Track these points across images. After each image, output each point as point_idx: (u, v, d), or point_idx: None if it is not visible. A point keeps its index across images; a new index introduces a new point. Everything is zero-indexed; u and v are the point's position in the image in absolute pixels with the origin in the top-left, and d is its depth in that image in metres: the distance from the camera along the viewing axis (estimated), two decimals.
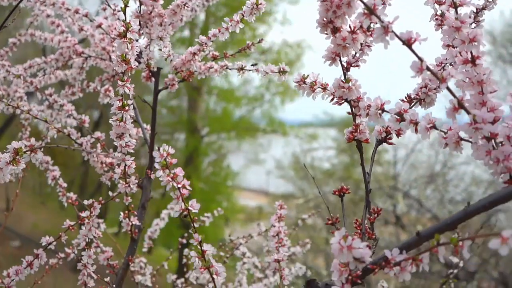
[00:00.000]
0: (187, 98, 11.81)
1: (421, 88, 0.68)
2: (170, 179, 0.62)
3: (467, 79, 0.55)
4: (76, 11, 1.10)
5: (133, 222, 0.97)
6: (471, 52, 0.54)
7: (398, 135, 0.67)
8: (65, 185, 1.11)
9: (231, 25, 0.89)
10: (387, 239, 6.61)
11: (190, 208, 0.63)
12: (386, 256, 0.52)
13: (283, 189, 10.83)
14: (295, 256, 1.44)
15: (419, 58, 0.51)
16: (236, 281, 1.32)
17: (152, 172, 0.96)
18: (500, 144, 0.52)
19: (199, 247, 0.65)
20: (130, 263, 0.99)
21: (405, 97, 0.69)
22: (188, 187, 0.63)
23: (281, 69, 0.85)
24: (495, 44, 9.05)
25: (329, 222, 0.66)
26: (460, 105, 0.51)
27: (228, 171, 11.92)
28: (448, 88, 0.51)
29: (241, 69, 0.96)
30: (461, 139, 0.55)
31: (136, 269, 1.32)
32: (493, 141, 0.52)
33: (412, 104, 0.69)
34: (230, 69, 0.98)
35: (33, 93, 1.25)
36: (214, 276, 0.64)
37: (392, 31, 0.50)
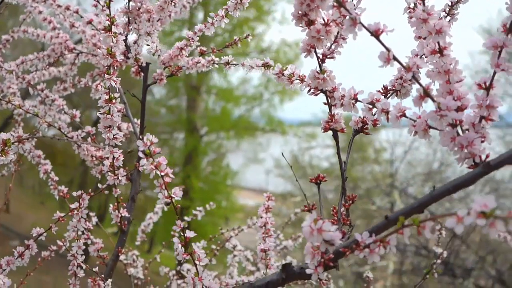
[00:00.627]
0: (186, 97, 11.83)
1: (396, 79, 0.71)
2: (154, 167, 0.64)
3: (436, 69, 0.57)
4: (67, 8, 1.12)
5: (122, 214, 0.99)
6: (438, 43, 0.56)
7: (374, 125, 0.69)
8: (56, 178, 1.13)
9: (216, 20, 0.92)
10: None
11: (173, 195, 0.65)
12: (356, 240, 0.55)
13: (282, 188, 10.86)
14: (286, 250, 1.47)
15: (387, 49, 0.53)
16: (227, 273, 1.35)
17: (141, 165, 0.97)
18: (466, 131, 0.55)
19: (181, 233, 0.67)
20: (119, 254, 1.02)
21: (381, 88, 0.71)
22: (171, 175, 0.65)
23: (265, 64, 0.87)
24: None
25: (306, 209, 0.69)
26: (426, 93, 0.54)
27: (227, 170, 11.94)
28: (414, 77, 0.53)
29: (227, 63, 0.99)
30: (429, 127, 0.57)
31: (129, 262, 1.34)
32: (459, 128, 0.55)
33: (389, 95, 0.71)
34: (217, 64, 1.00)
35: (31, 95, 1.27)
36: (196, 262, 0.67)
37: (360, 23, 0.52)
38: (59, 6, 1.12)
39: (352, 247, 0.55)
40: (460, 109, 0.55)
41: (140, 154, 0.64)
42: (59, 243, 1.17)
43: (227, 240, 1.33)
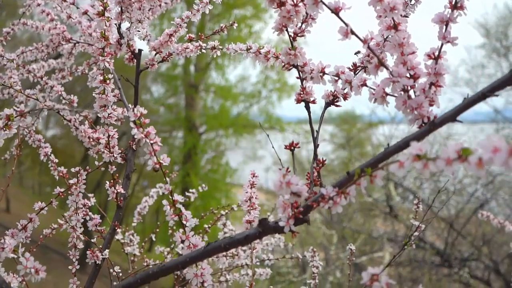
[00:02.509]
0: (185, 96, 11.90)
1: (365, 56, 0.78)
2: (144, 136, 0.71)
3: (391, 42, 0.64)
4: (64, 0, 1.19)
5: (118, 190, 1.06)
6: (392, 19, 0.63)
7: (344, 98, 0.77)
8: (56, 160, 1.20)
9: (201, 7, 0.99)
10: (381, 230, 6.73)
11: (161, 161, 0.73)
12: (322, 193, 0.62)
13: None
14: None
15: (345, 24, 0.60)
16: None
17: (134, 143, 1.05)
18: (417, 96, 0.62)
19: (170, 196, 0.74)
20: (116, 229, 1.09)
21: (351, 65, 0.78)
22: (160, 143, 0.72)
23: (248, 47, 0.94)
24: (489, 37, 9.14)
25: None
26: (380, 62, 0.61)
27: (227, 168, 12.01)
28: (369, 48, 0.61)
29: (213, 48, 1.06)
30: (386, 94, 0.64)
31: (126, 241, 1.42)
32: (412, 93, 0.62)
33: (358, 71, 0.78)
34: (204, 49, 1.07)
35: (32, 82, 1.34)
36: (184, 222, 0.74)
37: (321, 1, 0.59)
38: None
39: (318, 201, 0.62)
40: (413, 77, 0.62)
41: (131, 124, 0.71)
42: (60, 221, 1.24)
43: (218, 219, 1.40)
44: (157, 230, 1.56)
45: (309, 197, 0.65)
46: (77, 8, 1.20)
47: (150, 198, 1.57)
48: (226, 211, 1.39)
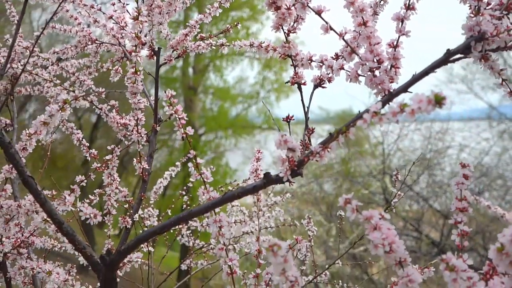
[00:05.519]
0: (183, 98, 12.10)
1: (343, 47, 0.98)
2: (173, 112, 0.92)
3: (362, 35, 0.85)
4: (92, 6, 1.40)
5: (144, 166, 1.27)
6: (362, 18, 0.84)
7: (329, 81, 0.97)
8: (87, 144, 1.40)
9: (212, 10, 1.19)
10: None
11: (187, 131, 0.93)
12: (311, 150, 0.82)
13: (281, 185, 11.06)
14: (276, 204, 1.75)
15: (326, 22, 0.81)
16: None
17: (158, 126, 1.25)
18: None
19: (194, 160, 0.94)
20: (142, 198, 1.29)
21: (334, 54, 0.99)
22: (185, 118, 0.93)
23: (251, 43, 1.14)
24: None
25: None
26: (352, 51, 0.81)
27: (226, 169, 12.20)
28: (344, 40, 0.81)
29: (222, 45, 1.26)
30: (358, 74, 0.85)
31: (145, 216, 1.62)
32: (377, 72, 0.82)
33: (339, 58, 0.99)
34: (213, 46, 1.28)
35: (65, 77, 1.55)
36: (205, 179, 0.94)
37: (308, 6, 0.80)
38: (85, 5, 1.40)
39: (309, 156, 0.82)
40: (378, 61, 0.83)
41: (164, 103, 0.91)
42: (91, 197, 1.44)
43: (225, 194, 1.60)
44: (173, 206, 1.76)
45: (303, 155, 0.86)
46: (103, 13, 1.40)
47: (165, 179, 1.77)
48: (233, 188, 1.59)
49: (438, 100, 0.58)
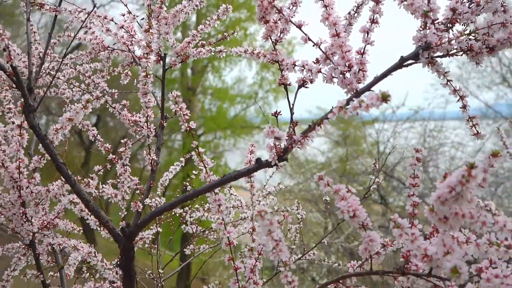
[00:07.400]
0: (182, 99, 12.27)
1: (321, 54, 1.16)
2: (178, 109, 1.10)
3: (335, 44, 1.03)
4: (105, 17, 1.57)
5: (153, 157, 1.45)
6: (335, 30, 1.02)
7: (311, 82, 1.15)
8: (102, 140, 1.58)
9: (212, 22, 1.38)
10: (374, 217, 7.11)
11: (190, 125, 1.11)
12: (294, 139, 1.00)
13: (280, 185, 11.21)
14: (270, 193, 1.93)
15: (305, 34, 0.99)
16: None
17: (165, 122, 1.43)
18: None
19: (197, 149, 1.12)
20: (151, 186, 1.47)
21: (315, 59, 1.17)
22: (188, 114, 1.11)
23: (245, 50, 1.32)
24: None
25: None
26: (327, 57, 1.00)
27: (226, 169, 12.36)
28: (320, 49, 0.99)
29: (220, 51, 1.44)
30: (333, 76, 1.03)
31: (153, 205, 1.80)
32: (348, 74, 1.01)
33: (319, 63, 1.17)
34: (213, 52, 1.46)
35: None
36: (206, 165, 1.12)
37: (290, 21, 0.98)
38: (99, 16, 1.58)
39: (292, 143, 1.00)
40: (349, 66, 1.01)
41: (170, 102, 1.09)
42: (116, 192, 1.61)
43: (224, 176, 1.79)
44: (177, 195, 1.93)
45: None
46: (116, 23, 1.58)
47: (170, 173, 1.96)
48: (231, 187, 1.78)
49: (385, 97, 0.76)
